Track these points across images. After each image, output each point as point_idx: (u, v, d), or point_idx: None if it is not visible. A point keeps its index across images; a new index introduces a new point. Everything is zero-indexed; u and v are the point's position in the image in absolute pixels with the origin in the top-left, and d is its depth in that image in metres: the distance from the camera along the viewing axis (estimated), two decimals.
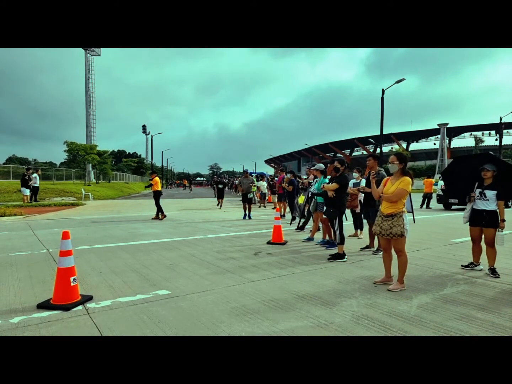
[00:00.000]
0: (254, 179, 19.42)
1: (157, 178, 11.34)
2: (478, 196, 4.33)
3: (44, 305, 3.20)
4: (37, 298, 3.43)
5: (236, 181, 23.58)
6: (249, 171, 11.69)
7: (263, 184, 16.29)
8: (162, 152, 59.40)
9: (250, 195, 11.15)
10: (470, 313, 3.08)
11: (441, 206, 14.51)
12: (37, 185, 16.71)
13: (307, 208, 8.07)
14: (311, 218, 7.91)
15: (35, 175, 16.56)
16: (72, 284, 3.27)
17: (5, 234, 7.64)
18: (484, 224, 4.33)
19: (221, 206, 15.27)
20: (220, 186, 15.80)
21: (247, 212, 10.99)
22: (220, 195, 15.52)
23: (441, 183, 13.87)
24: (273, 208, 13.61)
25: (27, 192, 16.11)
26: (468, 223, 4.52)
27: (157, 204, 10.90)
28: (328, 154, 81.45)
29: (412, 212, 7.47)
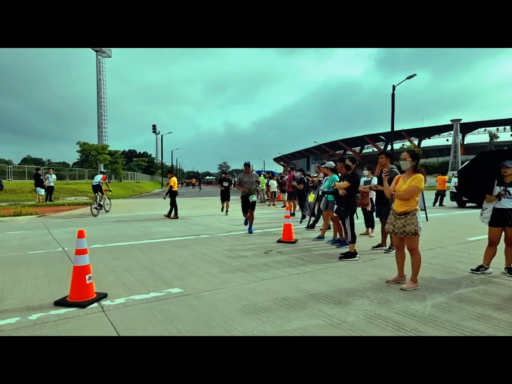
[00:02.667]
0: (262, 178, 18.55)
1: (174, 178, 11.49)
2: (502, 194, 4.11)
3: (61, 302, 3.28)
4: (54, 295, 3.51)
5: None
6: (252, 165, 8.12)
7: (273, 183, 16.25)
8: (172, 151, 59.92)
9: (253, 198, 7.67)
10: (486, 313, 3.03)
11: (454, 203, 14.26)
12: (52, 185, 17.06)
13: (317, 206, 8.03)
14: (321, 216, 7.88)
15: (48, 175, 16.93)
16: (87, 282, 3.34)
17: (22, 233, 7.83)
18: (510, 224, 4.09)
19: (226, 211, 12.04)
20: (225, 184, 12.36)
21: (249, 225, 7.84)
22: (225, 197, 12.18)
23: (454, 180, 13.63)
24: (283, 207, 13.60)
25: (42, 192, 16.47)
26: (488, 224, 4.27)
27: (173, 203, 11.06)
28: (337, 152, 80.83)
29: (425, 210, 7.37)
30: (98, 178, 12.83)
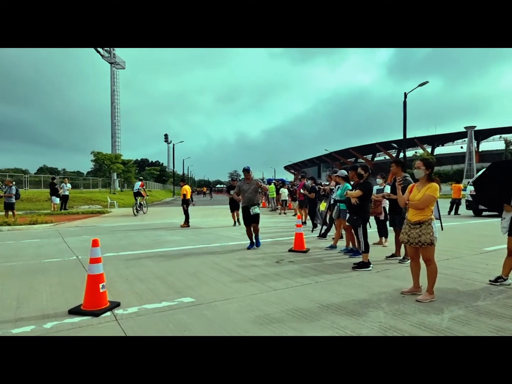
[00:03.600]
0: (272, 186, 18.32)
1: (186, 187, 11.51)
2: None
3: (75, 311, 3.31)
4: (68, 303, 3.55)
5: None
6: (250, 169, 6.83)
7: (284, 191, 16.22)
8: (183, 160, 60.70)
9: (255, 210, 6.60)
10: (505, 326, 2.93)
11: (470, 212, 13.92)
12: (67, 193, 17.42)
13: (329, 215, 7.96)
14: (333, 225, 7.80)
15: (63, 184, 17.32)
16: (101, 290, 3.37)
17: (37, 242, 7.99)
18: None
19: (238, 221, 11.21)
20: (233, 192, 11.52)
21: (253, 240, 6.82)
22: (234, 206, 11.04)
23: (470, 188, 13.33)
24: (294, 215, 13.52)
25: (57, 200, 16.81)
26: (507, 233, 4.14)
27: (185, 211, 11.12)
28: (349, 160, 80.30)
29: (440, 219, 7.22)
30: (137, 185, 15.86)
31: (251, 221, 6.66)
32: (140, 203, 15.82)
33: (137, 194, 15.70)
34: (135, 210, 15.36)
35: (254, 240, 6.85)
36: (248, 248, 6.76)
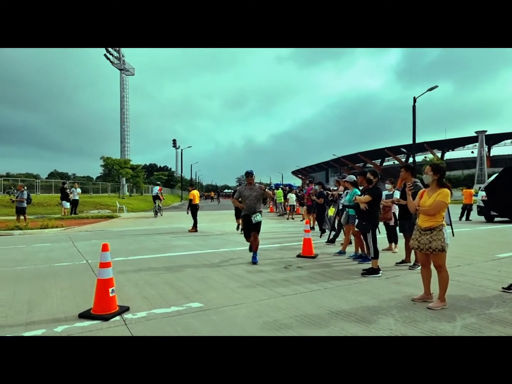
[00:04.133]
0: (280, 191, 18.37)
1: (194, 192, 11.50)
2: None
3: (85, 315, 3.34)
4: (79, 307, 3.58)
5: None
6: (253, 173, 6.19)
7: (292, 196, 16.19)
8: (191, 165, 61.09)
9: (257, 218, 5.92)
10: None
11: (482, 218, 13.68)
12: (77, 198, 17.65)
13: (337, 220, 7.91)
14: (342, 231, 7.74)
15: (73, 189, 17.57)
16: (110, 295, 3.39)
17: (48, 246, 8.10)
18: None
19: (242, 229, 9.59)
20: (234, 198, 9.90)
21: (253, 253, 6.02)
22: (239, 212, 8.84)
23: (481, 193, 13.12)
24: (302, 220, 13.46)
25: (68, 205, 17.05)
26: None
27: (193, 216, 11.16)
28: (357, 165, 79.83)
29: (451, 225, 7.11)
30: (156, 189, 17.56)
31: (253, 229, 5.98)
32: (159, 205, 17.51)
33: (156, 197, 17.37)
34: (154, 212, 17.36)
35: (253, 254, 6.05)
36: (250, 250, 6.21)
